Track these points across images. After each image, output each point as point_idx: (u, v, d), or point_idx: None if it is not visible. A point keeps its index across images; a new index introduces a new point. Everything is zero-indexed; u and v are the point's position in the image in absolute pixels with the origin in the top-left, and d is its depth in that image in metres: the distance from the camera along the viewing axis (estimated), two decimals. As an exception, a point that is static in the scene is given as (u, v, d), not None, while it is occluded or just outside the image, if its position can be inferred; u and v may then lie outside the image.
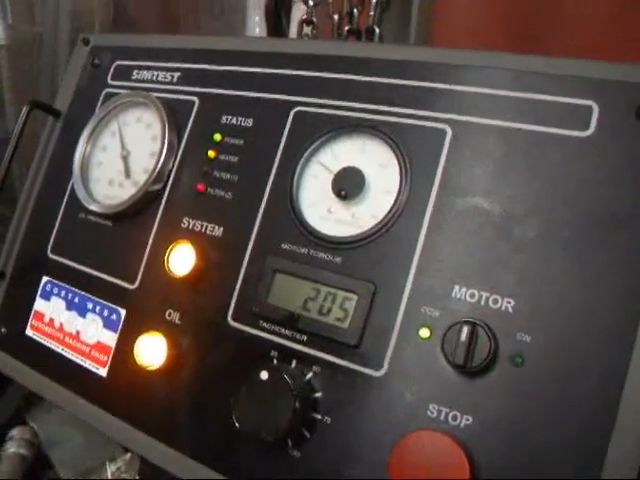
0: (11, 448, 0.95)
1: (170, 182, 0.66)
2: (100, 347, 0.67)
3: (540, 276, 0.48)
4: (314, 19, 0.88)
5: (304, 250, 0.57)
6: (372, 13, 0.82)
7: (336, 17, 0.83)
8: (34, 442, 0.97)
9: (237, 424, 0.53)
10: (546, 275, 0.48)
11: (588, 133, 0.49)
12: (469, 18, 0.92)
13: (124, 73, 0.76)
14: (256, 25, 1.68)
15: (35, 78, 1.67)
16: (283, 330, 0.56)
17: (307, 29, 0.88)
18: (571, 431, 0.45)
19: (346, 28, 0.86)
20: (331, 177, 0.57)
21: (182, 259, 0.61)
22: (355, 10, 0.85)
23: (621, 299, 0.46)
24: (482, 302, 0.49)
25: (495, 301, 0.49)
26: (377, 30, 0.82)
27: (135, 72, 0.75)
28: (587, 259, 0.47)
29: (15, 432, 0.97)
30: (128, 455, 0.92)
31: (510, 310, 0.48)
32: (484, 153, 0.52)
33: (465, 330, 0.47)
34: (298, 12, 1.45)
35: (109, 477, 0.90)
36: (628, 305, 0.46)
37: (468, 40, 0.98)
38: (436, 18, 0.86)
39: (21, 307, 0.75)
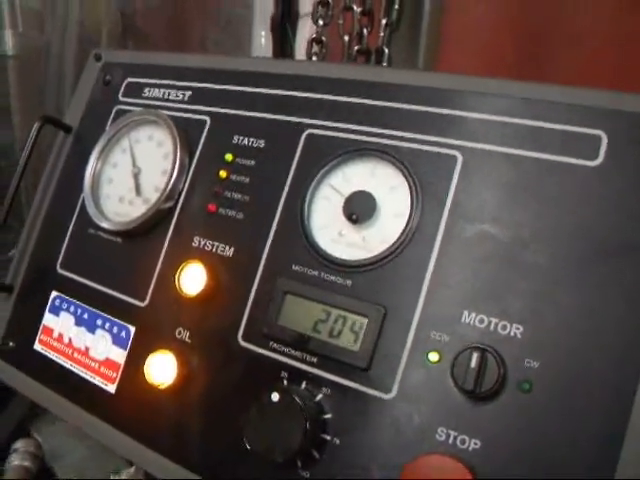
0: (15, 460, 0.95)
1: (181, 201, 0.67)
2: (109, 363, 0.67)
3: (548, 302, 0.49)
4: (323, 38, 0.89)
5: (315, 272, 0.57)
6: (382, 34, 0.83)
7: (346, 38, 0.83)
8: (38, 454, 0.97)
9: (247, 444, 0.54)
10: (553, 301, 0.49)
11: (597, 163, 0.50)
12: (477, 39, 0.93)
13: (135, 90, 0.77)
14: (262, 37, 1.69)
15: (42, 88, 1.68)
16: (293, 351, 0.57)
17: (316, 48, 0.89)
18: (578, 458, 0.45)
19: (356, 48, 0.87)
20: (342, 200, 0.58)
21: (193, 278, 0.62)
22: (365, 30, 0.86)
23: (627, 325, 0.47)
24: (491, 328, 0.50)
25: (504, 327, 0.49)
26: (386, 51, 0.83)
27: (147, 90, 0.76)
28: (594, 286, 0.48)
29: (19, 444, 0.98)
30: (132, 468, 0.92)
31: (518, 336, 0.49)
32: (494, 180, 0.53)
33: (475, 356, 0.48)
34: (304, 25, 1.47)
35: (113, 490, 0.91)
36: (634, 330, 0.46)
37: (476, 61, 0.99)
38: (444, 39, 0.87)
39: (30, 321, 0.76)
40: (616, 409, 0.45)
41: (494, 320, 0.50)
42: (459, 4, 1.03)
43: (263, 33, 1.66)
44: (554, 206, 0.51)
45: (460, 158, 0.55)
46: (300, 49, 1.46)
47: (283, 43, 1.51)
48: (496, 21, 0.95)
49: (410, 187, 0.55)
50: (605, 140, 0.50)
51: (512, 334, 0.49)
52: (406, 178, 0.56)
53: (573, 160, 0.51)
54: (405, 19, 0.86)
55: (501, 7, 1.10)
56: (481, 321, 0.50)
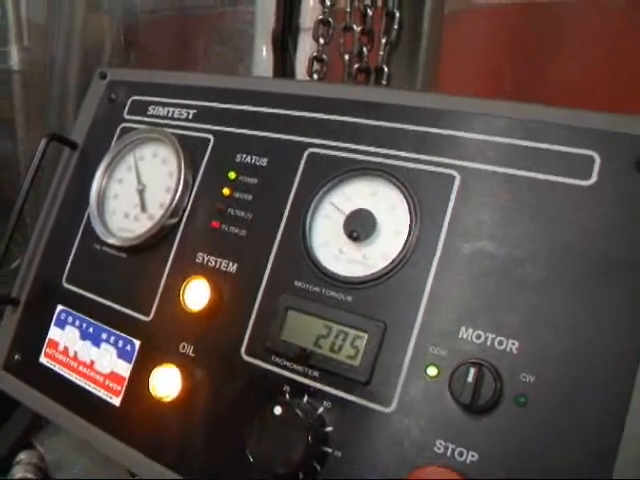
0: (19, 473, 0.96)
1: (185, 217, 0.69)
2: (114, 377, 0.69)
3: (543, 318, 0.50)
4: (324, 56, 0.90)
5: (316, 289, 0.59)
6: (381, 53, 0.85)
7: (347, 57, 0.85)
8: (41, 466, 0.98)
9: (250, 457, 0.55)
10: (549, 317, 0.50)
11: (590, 182, 0.52)
12: (474, 57, 0.95)
13: (140, 108, 0.78)
14: (263, 51, 1.70)
15: (45, 102, 1.71)
16: (295, 366, 0.58)
17: (317, 66, 0.91)
18: (573, 471, 0.47)
19: (356, 66, 0.88)
20: (343, 218, 0.60)
21: (197, 294, 0.63)
22: (365, 49, 0.87)
23: (619, 340, 0.48)
24: (488, 343, 0.51)
25: (500, 342, 0.51)
26: (386, 69, 0.85)
27: (151, 108, 0.77)
28: (587, 302, 0.50)
29: (23, 456, 0.99)
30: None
31: (514, 351, 0.50)
32: (491, 199, 0.54)
33: (472, 371, 0.49)
34: (305, 40, 1.49)
35: (115, 501, 0.91)
36: (626, 346, 0.48)
37: (474, 78, 1.01)
38: (443, 58, 0.89)
39: (35, 334, 0.77)
40: (610, 423, 0.47)
41: (490, 335, 0.51)
42: (457, 24, 1.05)
43: (264, 47, 1.67)
44: (549, 225, 0.52)
45: (458, 177, 0.56)
46: (300, 63, 1.48)
47: (284, 57, 1.53)
48: (493, 39, 0.97)
49: (409, 206, 0.57)
50: (598, 160, 0.52)
51: (508, 349, 0.50)
52: (405, 197, 0.57)
53: (567, 180, 0.53)
54: (404, 38, 0.88)
55: (497, 25, 1.12)
56: (478, 336, 0.51)
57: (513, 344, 0.50)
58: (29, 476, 0.94)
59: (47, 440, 1.05)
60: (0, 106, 1.63)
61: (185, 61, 1.85)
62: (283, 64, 1.54)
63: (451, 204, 0.56)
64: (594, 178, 0.52)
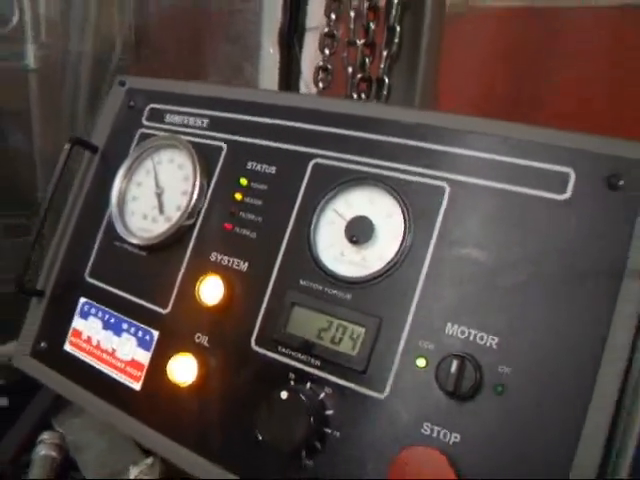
0: (42, 450, 1.03)
1: (200, 219, 0.75)
2: (134, 364, 0.75)
3: (520, 318, 0.57)
4: (329, 66, 0.96)
5: (319, 287, 0.65)
6: (382, 65, 0.91)
7: (350, 69, 0.91)
8: (62, 445, 1.05)
9: (259, 436, 0.62)
10: (525, 317, 0.57)
11: (565, 196, 0.58)
12: (471, 69, 1.01)
13: (157, 116, 0.85)
14: (269, 50, 1.74)
15: (59, 99, 1.76)
16: (299, 355, 0.65)
17: (322, 75, 0.97)
18: (543, 448, 0.53)
19: (359, 76, 0.94)
20: (344, 224, 0.66)
21: (211, 290, 0.70)
22: (367, 60, 0.93)
23: (584, 338, 0.55)
24: (470, 338, 0.57)
25: (481, 338, 0.57)
26: (387, 80, 0.91)
27: (168, 116, 0.84)
28: (559, 305, 0.56)
29: (45, 436, 1.05)
30: (150, 459, 0.99)
31: (494, 346, 0.57)
32: (477, 209, 0.61)
33: (455, 363, 0.56)
34: (310, 38, 1.54)
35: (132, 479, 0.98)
36: (592, 342, 0.54)
37: (470, 88, 1.07)
38: (442, 70, 0.95)
39: (60, 324, 0.84)
40: (576, 406, 0.53)
41: (473, 332, 0.58)
42: (455, 39, 1.11)
43: (270, 46, 1.72)
44: (527, 234, 0.58)
45: (448, 189, 0.62)
46: (306, 61, 1.53)
47: (290, 56, 1.58)
48: (489, 54, 1.03)
49: (404, 214, 0.63)
50: (573, 177, 0.58)
51: (488, 344, 0.57)
52: (400, 205, 0.64)
53: (545, 193, 0.59)
54: (404, 50, 0.94)
55: (493, 43, 1.18)
56: (462, 332, 0.58)
57: (493, 339, 0.57)
58: (52, 454, 1.01)
59: (66, 422, 1.12)
60: (16, 103, 1.68)
61: (194, 59, 1.90)
62: (289, 63, 1.59)
63: (441, 213, 0.62)
64: (569, 193, 0.58)
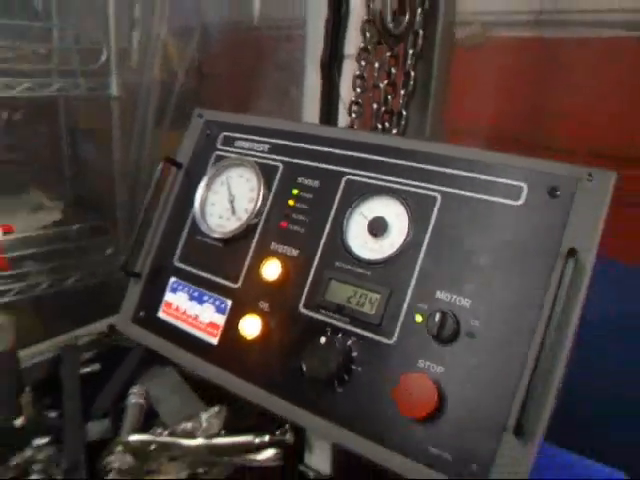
0: (133, 399, 1.29)
1: (263, 219, 1.01)
2: (213, 325, 1.02)
3: (486, 286, 0.80)
4: (360, 100, 1.22)
5: (349, 267, 0.91)
6: (401, 101, 1.17)
7: (375, 106, 1.17)
8: (147, 398, 1.31)
9: (305, 370, 0.88)
10: (490, 286, 0.80)
11: (520, 203, 0.82)
12: (476, 102, 1.25)
13: (230, 142, 1.11)
14: (312, 76, 1.97)
15: (133, 121, 2.04)
16: (334, 315, 0.89)
17: (355, 108, 1.23)
18: (501, 376, 0.78)
19: (382, 109, 1.20)
20: (367, 222, 0.91)
21: (271, 270, 0.95)
22: (389, 97, 1.20)
23: (531, 300, 0.77)
24: (452, 301, 0.81)
25: (459, 300, 0.81)
26: (404, 113, 1.17)
27: (237, 142, 1.10)
28: (513, 278, 0.78)
29: (135, 389, 1.31)
30: (217, 407, 1.24)
31: (467, 306, 0.81)
32: (459, 212, 0.85)
33: (439, 316, 0.80)
34: (348, 65, 1.78)
35: (202, 423, 1.23)
36: (534, 304, 0.76)
37: (478, 117, 1.31)
38: (450, 106, 1.21)
39: (155, 298, 1.09)
40: (529, 350, 0.76)
41: (454, 296, 0.82)
42: (475, 65, 1.36)
43: (314, 74, 1.95)
44: (493, 229, 0.83)
45: (439, 198, 0.88)
46: (344, 85, 1.77)
47: (330, 81, 1.81)
48: (496, 91, 1.27)
49: (408, 215, 0.88)
50: (525, 188, 0.83)
51: (463, 304, 0.81)
52: (406, 209, 0.89)
53: (507, 201, 0.83)
54: (418, 90, 1.20)
55: (498, 81, 1.42)
56: (446, 297, 0.82)
57: (467, 301, 0.81)
58: (141, 402, 1.27)
59: (148, 382, 1.38)
60: (100, 125, 1.96)
61: (247, 83, 2.14)
62: (330, 87, 1.83)
63: (434, 214, 0.87)
64: (522, 200, 0.82)
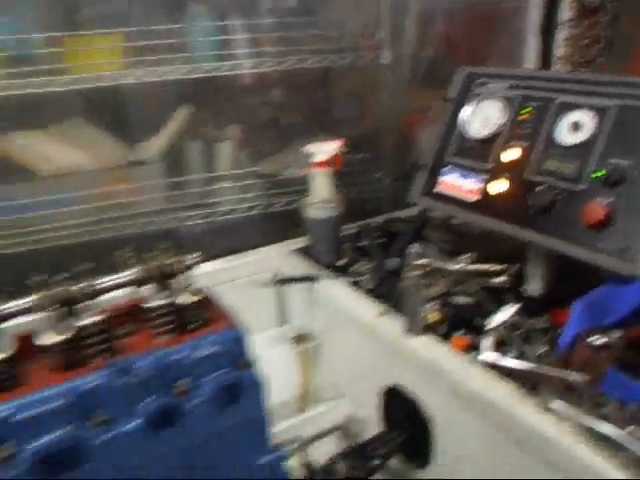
0: (412, 249, 2.06)
1: (505, 129, 1.72)
2: (472, 190, 1.74)
3: (640, 156, 1.45)
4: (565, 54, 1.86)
5: (556, 151, 1.59)
6: (595, 53, 1.80)
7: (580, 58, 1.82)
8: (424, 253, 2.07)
9: (530, 205, 1.58)
10: (643, 156, 1.45)
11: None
12: None
13: (482, 84, 1.82)
14: (532, 41, 2.51)
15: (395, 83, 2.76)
16: (548, 178, 1.59)
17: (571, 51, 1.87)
18: None
19: (583, 60, 1.84)
20: (568, 124, 1.59)
21: (509, 155, 1.65)
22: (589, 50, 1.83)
23: None
24: (618, 163, 1.47)
25: (623, 163, 1.47)
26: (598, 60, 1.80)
27: (487, 84, 1.81)
28: None
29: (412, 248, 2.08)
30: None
31: (629, 164, 1.46)
32: (628, 117, 1.50)
33: (609, 170, 1.46)
34: (561, 31, 2.35)
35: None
36: None
37: None
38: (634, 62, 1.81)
39: (434, 180, 1.85)
40: None
41: (620, 160, 1.47)
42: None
43: (533, 38, 2.50)
44: (644, 123, 1.46)
45: (615, 108, 1.52)
46: (557, 49, 2.33)
47: (547, 44, 2.30)
48: None
49: (594, 119, 1.54)
50: (665, 100, 1.44)
51: (628, 164, 1.46)
52: (594, 116, 1.54)
53: (654, 107, 1.46)
54: (608, 47, 1.82)
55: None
56: (615, 161, 1.48)
57: (629, 162, 1.46)
58: (420, 250, 2.04)
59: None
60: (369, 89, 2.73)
61: (475, 50, 2.79)
62: (547, 50, 2.33)
63: (612, 119, 1.52)
64: None
